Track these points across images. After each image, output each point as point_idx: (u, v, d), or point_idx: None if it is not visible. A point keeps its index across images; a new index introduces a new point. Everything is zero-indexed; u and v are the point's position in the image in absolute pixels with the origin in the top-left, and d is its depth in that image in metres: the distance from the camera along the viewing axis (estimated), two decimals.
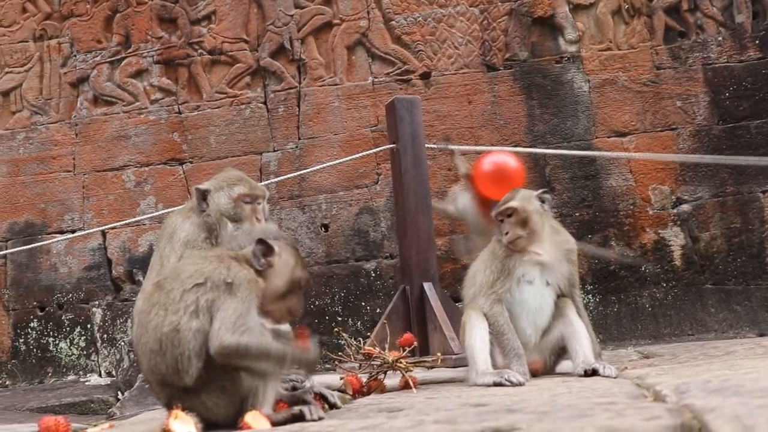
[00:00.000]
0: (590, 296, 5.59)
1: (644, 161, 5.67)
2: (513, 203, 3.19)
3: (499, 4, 6.10)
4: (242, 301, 2.20)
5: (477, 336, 3.12)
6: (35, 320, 6.13)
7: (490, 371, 3.02)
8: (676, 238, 5.67)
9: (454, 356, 3.79)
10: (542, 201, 3.24)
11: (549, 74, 5.98)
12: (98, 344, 6.02)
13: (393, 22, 6.15)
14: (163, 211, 5.47)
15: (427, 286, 4.32)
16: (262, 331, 2.22)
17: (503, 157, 4.36)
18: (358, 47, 6.20)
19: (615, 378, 2.84)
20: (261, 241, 2.35)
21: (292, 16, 6.25)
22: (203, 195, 3.03)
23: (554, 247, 3.19)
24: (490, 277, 3.19)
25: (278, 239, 2.43)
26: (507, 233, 3.17)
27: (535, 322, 3.20)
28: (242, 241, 2.45)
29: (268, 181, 5.73)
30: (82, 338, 6.05)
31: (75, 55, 6.46)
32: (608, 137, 5.87)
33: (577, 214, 5.79)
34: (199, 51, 6.31)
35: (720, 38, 5.89)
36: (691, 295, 5.58)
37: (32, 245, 5.83)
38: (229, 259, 2.31)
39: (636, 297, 5.62)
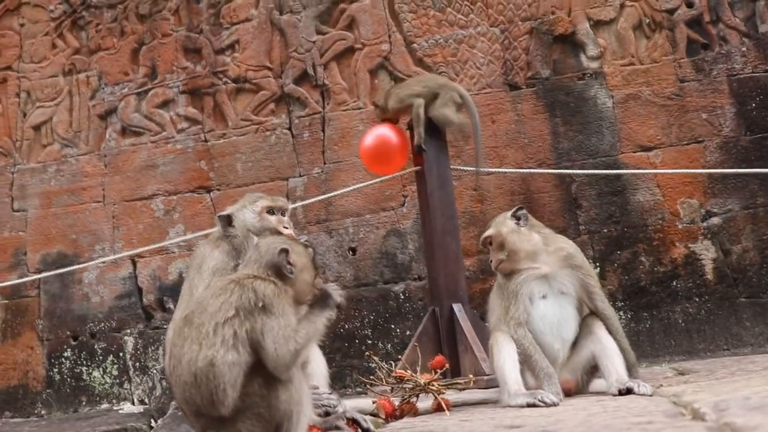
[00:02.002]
0: (621, 313, 5.49)
1: (672, 175, 5.61)
2: (486, 232, 3.36)
3: (520, 23, 6.10)
4: (281, 315, 2.21)
5: (506, 357, 3.11)
6: (68, 350, 6.17)
7: (523, 392, 3.01)
8: (707, 252, 5.58)
9: (486, 377, 3.76)
10: (518, 219, 3.32)
11: (572, 91, 5.95)
12: (130, 372, 6.04)
13: (414, 45, 6.17)
14: (192, 236, 5.61)
15: (457, 307, 4.31)
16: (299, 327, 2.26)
17: (382, 133, 4.57)
18: (381, 71, 6.22)
19: (651, 396, 2.79)
20: (284, 250, 2.35)
21: (314, 42, 6.30)
22: (228, 220, 3.06)
23: (551, 256, 3.22)
24: (503, 305, 3.22)
25: (285, 239, 2.46)
26: (491, 261, 3.31)
27: (561, 336, 3.17)
28: (255, 252, 2.44)
29: (295, 205, 5.75)
30: (115, 367, 6.08)
31: (103, 88, 6.56)
32: (634, 152, 5.80)
33: (605, 231, 5.73)
34: (224, 80, 6.36)
35: (744, 48, 5.81)
36: (725, 309, 5.48)
37: (64, 269, 5.89)
38: (250, 281, 2.30)
39: (668, 312, 5.52)
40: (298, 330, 2.21)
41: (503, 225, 3.32)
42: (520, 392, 3.00)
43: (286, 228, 3.07)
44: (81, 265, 5.97)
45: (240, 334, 2.18)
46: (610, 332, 3.16)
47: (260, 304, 2.22)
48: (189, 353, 2.22)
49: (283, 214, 3.13)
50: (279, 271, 2.35)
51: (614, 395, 2.92)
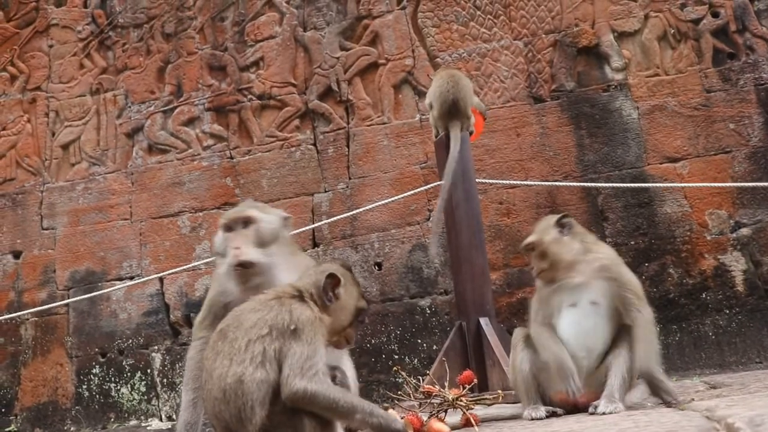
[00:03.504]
0: None
1: (700, 186, 5.55)
2: (529, 239, 3.24)
3: (543, 36, 6.12)
4: (308, 344, 2.18)
5: (520, 364, 3.12)
6: (97, 366, 6.22)
7: (541, 406, 3.00)
8: (736, 263, 5.52)
9: (514, 392, 3.73)
10: (562, 227, 3.21)
11: (597, 103, 5.95)
12: (158, 389, 6.07)
13: (438, 59, 6.20)
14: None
15: (484, 322, 4.27)
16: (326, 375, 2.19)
17: None
18: (405, 86, 6.27)
19: (683, 411, 2.76)
20: (331, 275, 2.33)
21: (338, 58, 6.36)
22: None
23: (587, 266, 3.13)
24: (534, 308, 3.21)
25: (342, 269, 2.41)
26: (533, 267, 3.23)
27: (587, 345, 3.09)
28: (314, 268, 2.40)
29: (321, 222, 5.83)
30: (143, 383, 6.11)
31: (129, 107, 6.64)
32: (660, 163, 5.77)
33: (632, 243, 5.68)
34: (249, 96, 6.43)
35: None
36: (757, 322, 5.39)
37: (92, 294, 5.91)
38: (290, 300, 2.28)
39: (698, 325, 5.45)
40: (319, 375, 2.15)
41: (546, 233, 3.21)
42: (539, 405, 3.01)
43: (236, 247, 2.72)
44: (108, 290, 5.99)
45: (269, 351, 2.17)
46: (636, 343, 3.04)
47: (292, 327, 2.20)
48: (220, 368, 2.21)
49: (245, 226, 2.77)
50: (320, 297, 2.32)
51: (590, 414, 2.87)
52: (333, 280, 2.33)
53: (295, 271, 2.62)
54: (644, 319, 3.04)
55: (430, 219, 5.93)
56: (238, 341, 2.21)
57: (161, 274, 5.93)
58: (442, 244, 4.87)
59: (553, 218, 3.26)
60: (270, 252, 2.79)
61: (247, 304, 2.36)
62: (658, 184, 5.66)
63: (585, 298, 3.11)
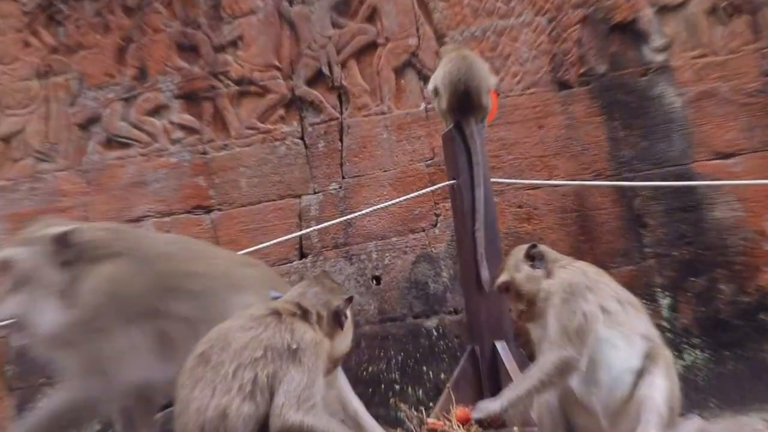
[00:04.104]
0: (698, 351, 5.41)
1: (756, 186, 5.48)
2: (500, 279, 3.38)
3: (570, 11, 6.09)
4: (308, 371, 2.17)
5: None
6: (42, 400, 5.99)
7: None
8: None
9: (537, 429, 3.66)
10: (532, 259, 3.33)
11: (633, 89, 5.92)
12: (117, 426, 5.93)
13: (447, 39, 6.17)
14: None
15: (500, 346, 4.31)
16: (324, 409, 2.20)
17: None
18: (408, 69, 6.25)
19: None
20: (350, 299, 2.38)
21: (329, 37, 6.31)
22: None
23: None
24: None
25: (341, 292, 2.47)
26: (511, 310, 3.39)
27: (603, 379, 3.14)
28: (315, 284, 2.40)
29: (309, 229, 5.83)
30: (97, 420, 5.96)
31: (84, 93, 6.54)
32: (709, 160, 5.75)
33: (675, 254, 5.64)
34: (225, 82, 6.36)
35: None
36: None
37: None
38: (291, 318, 2.26)
39: (757, 351, 5.37)
40: (317, 407, 2.13)
41: (517, 270, 3.34)
42: None
43: None
44: None
45: (260, 378, 2.13)
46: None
47: (294, 347, 2.19)
48: (200, 399, 2.14)
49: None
50: (332, 319, 2.35)
51: None
52: (350, 302, 2.40)
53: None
54: (538, 363, 3.10)
55: (437, 225, 5.94)
56: (224, 367, 2.16)
57: None
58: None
59: (521, 250, 3.40)
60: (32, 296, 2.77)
61: (236, 321, 2.31)
62: (706, 182, 5.62)
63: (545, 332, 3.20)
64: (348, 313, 2.41)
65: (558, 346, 3.03)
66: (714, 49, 5.89)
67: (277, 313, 2.28)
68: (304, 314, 2.32)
